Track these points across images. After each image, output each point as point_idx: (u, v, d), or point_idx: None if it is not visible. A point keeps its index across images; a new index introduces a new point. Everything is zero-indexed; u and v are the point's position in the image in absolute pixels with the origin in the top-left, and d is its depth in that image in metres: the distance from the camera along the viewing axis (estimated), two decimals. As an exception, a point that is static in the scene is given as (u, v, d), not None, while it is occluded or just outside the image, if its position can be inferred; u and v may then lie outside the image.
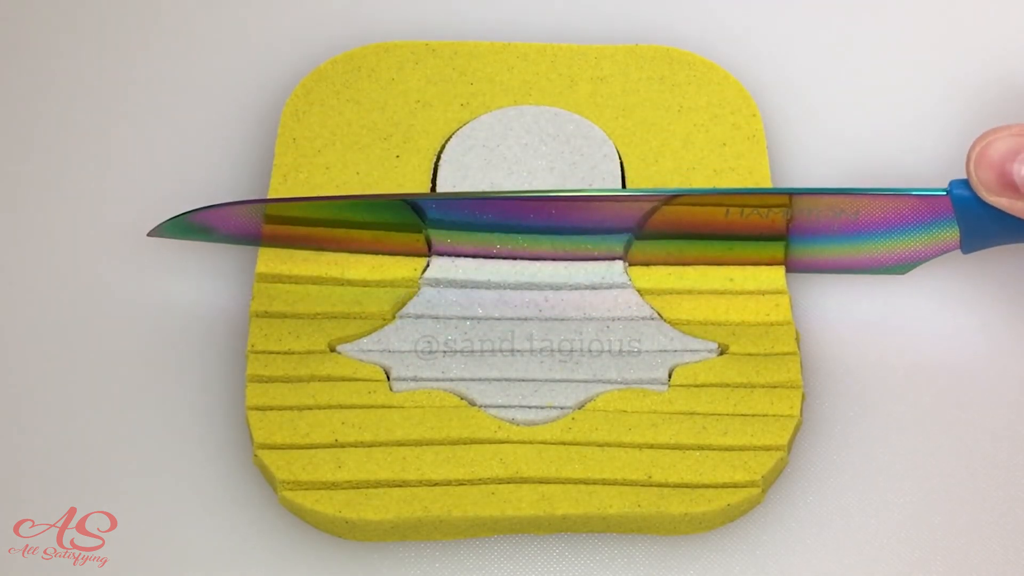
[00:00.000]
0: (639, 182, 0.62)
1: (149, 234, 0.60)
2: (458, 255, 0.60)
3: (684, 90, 0.65)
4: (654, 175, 0.62)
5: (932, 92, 0.67)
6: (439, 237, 0.59)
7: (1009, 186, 0.54)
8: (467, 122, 0.64)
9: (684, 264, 0.60)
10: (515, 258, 0.60)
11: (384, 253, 0.60)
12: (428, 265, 0.59)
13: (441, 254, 0.59)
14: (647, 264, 0.60)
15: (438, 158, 0.63)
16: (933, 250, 0.59)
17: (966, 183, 0.56)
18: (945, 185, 0.57)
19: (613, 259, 0.60)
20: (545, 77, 0.65)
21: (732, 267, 0.59)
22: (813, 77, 0.68)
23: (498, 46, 0.66)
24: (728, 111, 0.64)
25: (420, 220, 0.59)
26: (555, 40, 0.67)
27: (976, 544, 0.55)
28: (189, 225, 0.60)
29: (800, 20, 0.70)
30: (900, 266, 0.60)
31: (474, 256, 0.60)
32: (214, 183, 0.63)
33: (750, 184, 0.61)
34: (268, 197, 0.61)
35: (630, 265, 0.60)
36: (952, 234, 0.58)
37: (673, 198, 0.58)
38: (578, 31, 0.68)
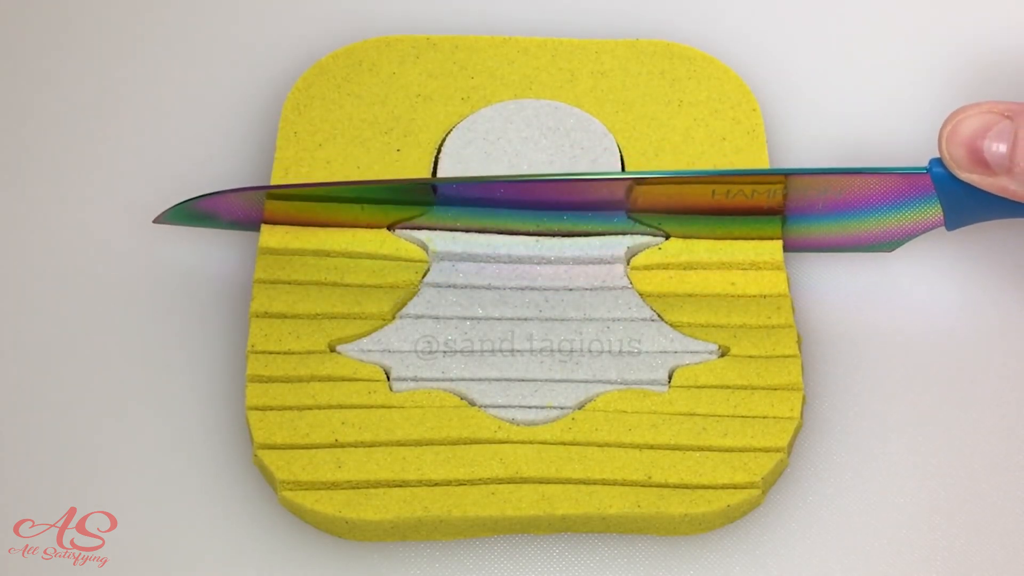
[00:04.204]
0: (639, 177, 0.62)
1: (155, 221, 0.61)
2: (462, 203, 0.60)
3: (684, 85, 0.65)
4: (654, 169, 0.62)
5: (936, 88, 0.66)
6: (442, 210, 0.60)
7: (979, 162, 0.55)
8: (467, 116, 0.63)
9: (682, 235, 0.60)
10: (516, 233, 0.60)
11: (389, 218, 0.60)
12: (428, 270, 0.59)
13: (445, 204, 0.60)
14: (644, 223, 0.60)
15: (439, 152, 0.63)
16: (918, 227, 0.59)
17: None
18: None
19: (615, 235, 0.60)
20: (546, 71, 0.65)
21: (734, 271, 0.59)
22: (813, 72, 0.68)
23: (498, 40, 0.66)
24: (728, 106, 0.64)
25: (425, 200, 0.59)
26: (555, 34, 0.67)
27: (976, 544, 0.55)
28: (193, 212, 0.60)
29: (800, 15, 0.70)
30: (887, 243, 0.60)
31: (477, 209, 0.60)
32: (216, 178, 0.63)
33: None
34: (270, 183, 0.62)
35: (630, 256, 0.60)
36: (935, 211, 0.58)
37: (662, 179, 0.59)
38: (578, 25, 0.68)
